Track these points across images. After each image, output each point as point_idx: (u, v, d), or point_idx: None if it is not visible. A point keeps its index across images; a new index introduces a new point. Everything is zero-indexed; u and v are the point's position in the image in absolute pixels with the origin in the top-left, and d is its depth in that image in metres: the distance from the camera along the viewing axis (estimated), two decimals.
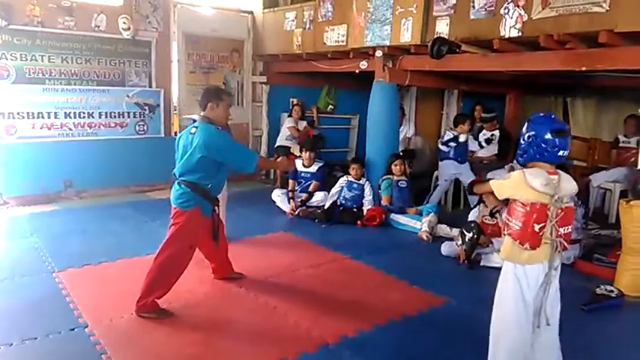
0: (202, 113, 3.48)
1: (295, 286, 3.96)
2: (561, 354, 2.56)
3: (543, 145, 2.33)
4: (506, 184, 2.42)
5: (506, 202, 2.52)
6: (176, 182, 3.42)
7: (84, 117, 6.62)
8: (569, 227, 2.42)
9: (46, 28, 6.27)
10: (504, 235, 2.47)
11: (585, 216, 5.37)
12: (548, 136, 2.32)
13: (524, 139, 2.40)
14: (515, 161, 6.36)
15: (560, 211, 2.34)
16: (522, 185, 2.32)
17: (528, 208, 2.33)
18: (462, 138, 6.17)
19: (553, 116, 2.47)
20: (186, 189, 3.35)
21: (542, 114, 2.48)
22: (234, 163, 3.45)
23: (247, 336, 3.13)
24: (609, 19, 3.89)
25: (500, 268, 4.20)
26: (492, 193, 2.49)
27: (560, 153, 2.34)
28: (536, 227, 2.32)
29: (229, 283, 3.93)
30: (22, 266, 4.17)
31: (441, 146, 6.36)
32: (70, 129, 6.54)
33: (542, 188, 2.29)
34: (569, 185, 2.39)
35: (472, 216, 4.82)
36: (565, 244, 2.39)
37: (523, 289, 2.41)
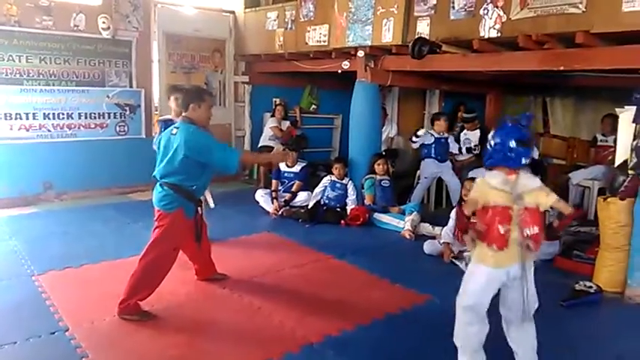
0: (184, 114, 3.44)
1: (279, 286, 3.96)
2: (536, 342, 2.71)
3: (508, 153, 2.48)
4: (475, 193, 2.54)
5: None
6: (158, 184, 3.39)
7: (63, 118, 6.53)
8: (536, 228, 2.48)
9: (23, 28, 6.16)
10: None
11: None
12: (512, 144, 2.47)
13: (490, 145, 2.56)
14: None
15: (522, 211, 2.44)
16: (486, 188, 2.48)
17: (491, 210, 2.45)
18: (420, 132, 6.36)
19: (518, 126, 2.58)
20: (169, 191, 3.33)
21: (509, 123, 2.61)
22: (216, 163, 3.40)
23: (231, 337, 3.12)
24: (585, 20, 3.97)
25: None
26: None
27: (523, 160, 2.49)
28: (501, 229, 2.43)
29: (213, 284, 3.91)
30: (1, 270, 4.10)
31: (411, 143, 6.47)
32: (49, 130, 6.45)
33: (500, 186, 2.44)
34: (529, 182, 2.52)
35: (453, 215, 4.86)
36: (532, 245, 2.46)
37: (487, 284, 2.56)
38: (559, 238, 4.61)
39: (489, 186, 2.47)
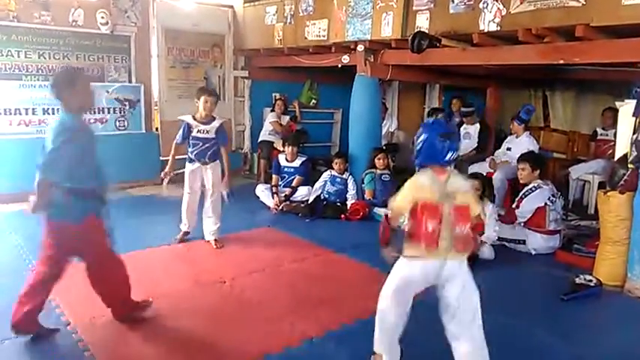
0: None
1: (279, 280, 3.97)
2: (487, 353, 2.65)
3: (432, 148, 2.50)
4: (402, 192, 2.53)
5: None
6: None
7: None
8: (465, 228, 2.47)
9: (21, 23, 6.15)
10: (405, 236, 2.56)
11: (565, 207, 5.46)
12: (436, 139, 2.49)
13: (417, 144, 2.58)
14: (494, 154, 6.47)
15: (453, 210, 2.43)
16: (414, 186, 2.50)
17: (420, 208, 2.44)
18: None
19: (441, 121, 2.64)
20: None
21: (432, 120, 2.70)
22: None
23: (231, 332, 3.13)
24: (585, 14, 3.95)
25: (483, 260, 4.30)
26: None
27: (448, 155, 2.49)
28: (430, 226, 2.42)
29: (213, 279, 3.92)
30: (2, 265, 4.12)
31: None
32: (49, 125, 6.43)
33: (428, 183, 2.47)
34: (459, 182, 2.53)
35: None
36: (460, 245, 2.45)
37: (413, 276, 2.56)
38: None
39: (418, 184, 2.50)
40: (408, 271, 2.58)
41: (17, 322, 2.91)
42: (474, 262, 4.30)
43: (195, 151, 4.48)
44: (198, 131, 4.45)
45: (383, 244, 2.64)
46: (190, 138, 4.48)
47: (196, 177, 4.58)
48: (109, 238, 3.14)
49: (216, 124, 4.49)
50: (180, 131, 4.55)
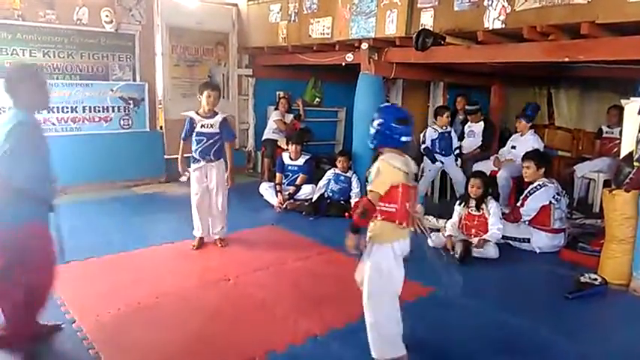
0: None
1: (283, 279, 3.97)
2: None
3: (388, 132, 2.62)
4: (381, 177, 2.57)
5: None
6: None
7: (67, 112, 6.54)
8: (415, 205, 2.72)
9: (26, 22, 6.16)
10: (377, 220, 2.62)
11: (570, 206, 5.44)
12: (393, 124, 2.61)
13: (373, 127, 2.68)
14: (499, 152, 6.46)
15: (413, 189, 2.67)
16: (391, 170, 2.57)
17: (400, 190, 2.58)
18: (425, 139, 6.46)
19: (398, 107, 2.72)
20: None
21: (388, 104, 2.74)
22: None
23: (235, 329, 3.14)
24: (590, 11, 3.93)
25: (488, 259, 4.29)
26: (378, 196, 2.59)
27: (403, 139, 2.63)
28: (407, 205, 2.61)
29: (217, 277, 3.93)
30: None
31: (422, 147, 6.47)
32: (54, 124, 6.46)
33: (403, 167, 2.60)
34: (412, 164, 2.73)
35: (457, 209, 4.85)
36: (412, 222, 2.69)
37: (397, 263, 2.69)
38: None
39: (394, 167, 2.57)
40: (386, 263, 2.65)
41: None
42: (466, 257, 4.34)
43: (200, 148, 4.43)
44: (202, 126, 4.41)
45: (361, 225, 2.59)
46: (195, 134, 4.44)
47: (202, 177, 4.52)
48: (56, 249, 2.87)
49: (219, 117, 4.46)
50: (184, 127, 4.52)
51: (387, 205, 2.59)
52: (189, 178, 4.63)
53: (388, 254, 2.65)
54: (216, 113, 4.48)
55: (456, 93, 7.82)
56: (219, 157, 4.54)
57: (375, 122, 2.67)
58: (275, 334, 3.08)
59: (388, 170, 2.57)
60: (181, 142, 4.57)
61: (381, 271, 2.64)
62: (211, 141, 4.44)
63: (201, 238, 4.63)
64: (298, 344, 2.96)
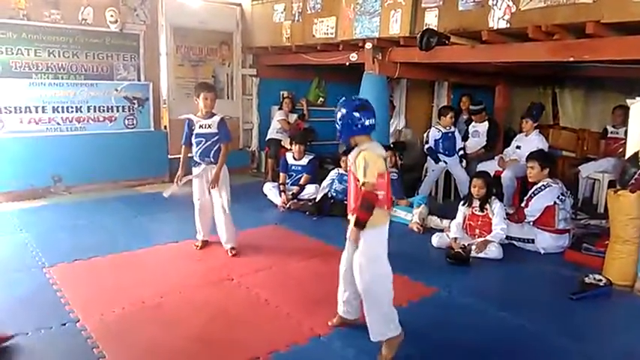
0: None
1: (287, 278, 3.97)
2: None
3: (351, 121, 2.78)
4: (370, 167, 2.66)
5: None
6: None
7: (72, 111, 6.57)
8: None
9: (31, 22, 6.20)
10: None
11: (574, 206, 5.42)
12: (355, 113, 2.77)
13: (337, 122, 2.83)
14: (503, 152, 6.43)
15: (388, 174, 2.82)
16: (375, 159, 2.70)
17: (385, 177, 2.74)
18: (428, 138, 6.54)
19: (354, 97, 2.94)
20: None
21: (345, 98, 2.92)
22: None
23: (239, 329, 3.14)
24: (596, 10, 3.92)
25: (492, 259, 4.28)
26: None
27: (367, 122, 2.79)
28: (389, 192, 2.81)
29: (220, 277, 3.93)
30: (13, 262, 4.15)
31: (426, 147, 6.47)
32: (59, 123, 6.49)
33: (384, 154, 2.80)
34: (382, 149, 2.88)
35: (461, 209, 4.85)
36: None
37: (385, 230, 2.84)
38: None
39: (378, 155, 2.73)
40: (382, 245, 2.81)
41: None
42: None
43: (200, 150, 4.35)
44: (201, 126, 4.33)
45: (366, 218, 2.69)
46: (194, 136, 4.36)
47: (203, 183, 4.43)
48: None
49: (217, 118, 4.36)
50: (184, 131, 4.43)
51: (377, 193, 2.71)
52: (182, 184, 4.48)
53: (382, 236, 2.81)
54: (214, 114, 4.39)
55: (461, 93, 7.81)
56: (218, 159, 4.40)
57: (337, 117, 2.82)
58: (278, 333, 3.08)
59: (374, 159, 2.69)
60: (182, 148, 4.49)
61: (377, 253, 2.79)
62: (210, 142, 4.34)
63: (205, 241, 4.62)
64: (301, 344, 2.96)
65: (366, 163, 2.65)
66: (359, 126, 2.78)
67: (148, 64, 7.19)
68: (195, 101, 4.41)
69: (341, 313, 3.13)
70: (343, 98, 2.92)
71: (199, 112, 4.39)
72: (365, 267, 2.77)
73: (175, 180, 4.45)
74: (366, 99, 2.93)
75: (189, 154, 4.49)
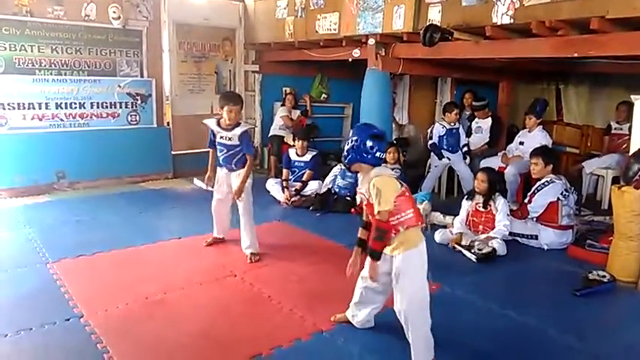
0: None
1: (289, 275, 3.97)
2: None
3: (364, 148, 2.66)
4: (385, 192, 2.58)
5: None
6: None
7: (75, 107, 6.58)
8: None
9: (35, 18, 6.20)
10: (402, 232, 2.64)
11: (578, 202, 5.41)
12: (369, 141, 2.65)
13: (349, 144, 2.72)
14: (507, 149, 6.40)
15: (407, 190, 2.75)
16: (389, 181, 2.62)
17: (406, 193, 2.68)
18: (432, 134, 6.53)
19: (372, 124, 2.82)
20: None
21: (363, 123, 2.88)
22: None
23: (242, 325, 3.14)
24: (600, 6, 3.89)
25: (498, 255, 4.25)
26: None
27: (378, 154, 2.68)
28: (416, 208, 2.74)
29: (224, 272, 3.94)
30: (17, 257, 4.16)
31: (429, 143, 6.46)
32: (62, 120, 6.50)
33: (393, 173, 2.73)
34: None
35: (464, 205, 4.84)
36: None
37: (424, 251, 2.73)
38: None
39: (389, 177, 2.65)
40: (423, 267, 2.68)
41: None
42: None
43: (222, 157, 4.30)
44: (221, 137, 4.25)
45: (381, 249, 2.64)
46: (216, 143, 4.31)
47: (223, 182, 4.41)
48: None
49: (238, 131, 4.20)
50: (209, 135, 4.40)
51: (403, 214, 2.62)
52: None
53: (424, 256, 2.68)
54: (238, 124, 4.25)
55: (464, 89, 7.79)
56: (243, 166, 4.30)
57: (351, 139, 2.71)
58: (281, 329, 3.09)
59: (387, 183, 2.60)
60: (210, 150, 4.47)
61: (422, 276, 2.68)
62: (231, 152, 4.25)
63: (216, 238, 4.62)
64: (304, 340, 2.96)
65: (379, 191, 2.56)
66: (369, 155, 2.66)
67: (150, 61, 7.19)
68: (219, 112, 4.27)
69: (350, 319, 3.12)
70: (361, 122, 2.84)
71: (222, 120, 4.25)
72: (414, 292, 2.66)
73: (205, 181, 4.50)
74: (384, 130, 2.82)
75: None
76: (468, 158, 6.49)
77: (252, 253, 4.30)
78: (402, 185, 2.67)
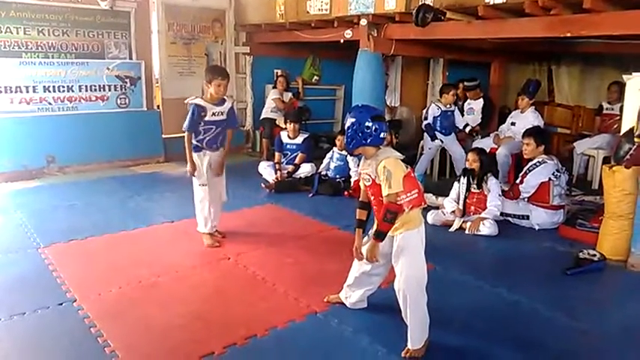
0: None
1: (284, 257, 3.98)
2: None
3: (366, 130, 2.60)
4: (395, 174, 2.55)
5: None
6: None
7: (63, 91, 6.49)
8: None
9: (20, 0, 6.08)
10: (405, 211, 2.61)
11: (569, 182, 5.44)
12: (370, 123, 2.60)
13: (349, 128, 2.65)
14: (498, 129, 6.40)
15: None
16: (396, 163, 2.59)
17: (413, 174, 2.67)
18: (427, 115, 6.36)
19: (368, 105, 2.79)
20: None
21: (360, 105, 2.81)
22: None
23: (236, 307, 3.15)
24: None
25: (488, 236, 4.30)
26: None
27: (382, 135, 2.64)
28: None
29: (218, 255, 3.94)
30: (7, 243, 4.13)
31: (424, 124, 6.41)
32: (50, 103, 6.41)
33: (399, 155, 2.66)
34: None
35: (456, 187, 4.86)
36: None
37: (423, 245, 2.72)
38: None
39: (396, 158, 2.61)
40: (421, 246, 2.68)
41: None
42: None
43: (208, 137, 4.05)
44: (214, 114, 4.01)
45: (388, 229, 2.61)
46: (202, 123, 3.99)
47: (208, 166, 4.12)
48: None
49: (228, 104, 4.11)
50: (189, 117, 3.96)
51: (409, 194, 2.60)
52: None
53: (422, 236, 2.69)
54: (224, 99, 4.11)
55: (459, 70, 7.72)
56: (223, 144, 4.20)
57: (351, 123, 2.64)
58: (276, 311, 3.10)
59: (395, 164, 2.58)
60: (186, 134, 4.01)
61: (421, 255, 2.67)
62: (220, 129, 4.10)
63: (218, 232, 4.37)
64: (298, 320, 2.98)
65: (390, 173, 2.52)
66: (373, 137, 2.60)
67: (139, 43, 7.08)
68: (205, 86, 4.03)
69: (343, 300, 3.14)
70: (357, 104, 2.78)
71: (208, 97, 4.02)
72: (413, 272, 2.64)
73: (189, 171, 4.10)
74: (382, 109, 2.82)
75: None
76: (475, 135, 6.47)
77: (218, 231, 4.34)
78: (407, 166, 2.66)
